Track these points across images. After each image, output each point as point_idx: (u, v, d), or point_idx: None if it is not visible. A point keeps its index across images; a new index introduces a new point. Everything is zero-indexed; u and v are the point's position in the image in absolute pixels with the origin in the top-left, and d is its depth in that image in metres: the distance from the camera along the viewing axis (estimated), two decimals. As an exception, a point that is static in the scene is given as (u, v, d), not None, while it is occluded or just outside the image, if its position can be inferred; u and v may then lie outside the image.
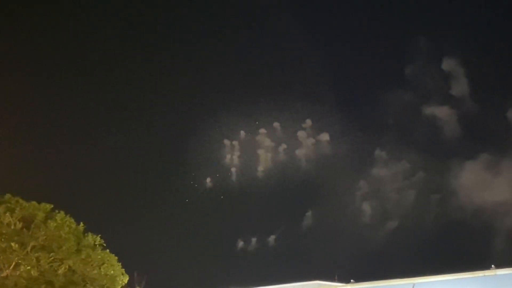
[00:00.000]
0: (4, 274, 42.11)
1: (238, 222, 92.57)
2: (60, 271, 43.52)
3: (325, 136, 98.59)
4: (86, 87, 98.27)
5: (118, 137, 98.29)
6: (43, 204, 45.38)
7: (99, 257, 45.85)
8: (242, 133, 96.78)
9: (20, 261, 42.37)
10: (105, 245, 47.05)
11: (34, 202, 45.16)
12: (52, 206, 45.72)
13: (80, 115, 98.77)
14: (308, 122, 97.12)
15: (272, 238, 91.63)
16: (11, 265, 42.33)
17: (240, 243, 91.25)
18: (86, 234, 46.93)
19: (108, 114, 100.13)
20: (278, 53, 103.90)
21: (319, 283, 45.61)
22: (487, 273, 37.26)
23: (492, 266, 37.43)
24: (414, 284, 39.58)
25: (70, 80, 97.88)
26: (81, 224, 46.70)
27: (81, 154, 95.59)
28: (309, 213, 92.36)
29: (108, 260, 46.19)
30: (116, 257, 46.88)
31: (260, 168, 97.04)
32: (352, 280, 42.77)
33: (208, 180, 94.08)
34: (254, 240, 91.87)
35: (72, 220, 46.14)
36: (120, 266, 46.92)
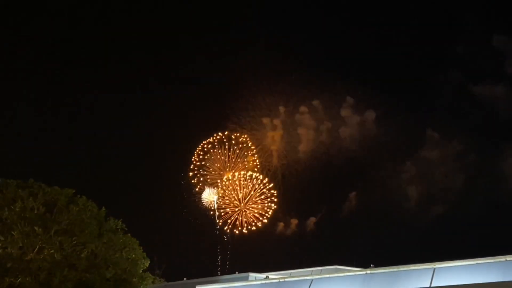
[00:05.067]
0: (28, 258, 43.01)
1: (279, 203, 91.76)
2: (83, 255, 44.11)
3: (371, 114, 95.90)
4: (113, 75, 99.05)
5: (143, 122, 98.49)
6: (65, 189, 46.20)
7: (121, 241, 46.46)
8: (282, 110, 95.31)
9: (43, 245, 43.20)
10: (126, 229, 47.60)
11: (56, 187, 45.98)
12: (74, 191, 46.55)
13: (102, 98, 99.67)
14: (350, 100, 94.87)
15: (311, 220, 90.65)
16: (35, 248, 43.18)
17: (280, 225, 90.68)
18: (108, 218, 47.55)
19: (134, 98, 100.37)
20: (319, 29, 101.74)
21: (336, 268, 44.76)
22: (509, 258, 35.36)
23: (515, 250, 35.48)
24: (434, 269, 38.13)
25: (101, 70, 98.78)
26: (103, 208, 47.31)
27: (103, 139, 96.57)
28: (352, 195, 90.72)
29: (129, 244, 46.72)
30: (138, 241, 47.30)
31: (302, 148, 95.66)
32: (372, 265, 41.62)
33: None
34: (294, 222, 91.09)
35: (94, 204, 46.82)
36: (142, 250, 47.32)
